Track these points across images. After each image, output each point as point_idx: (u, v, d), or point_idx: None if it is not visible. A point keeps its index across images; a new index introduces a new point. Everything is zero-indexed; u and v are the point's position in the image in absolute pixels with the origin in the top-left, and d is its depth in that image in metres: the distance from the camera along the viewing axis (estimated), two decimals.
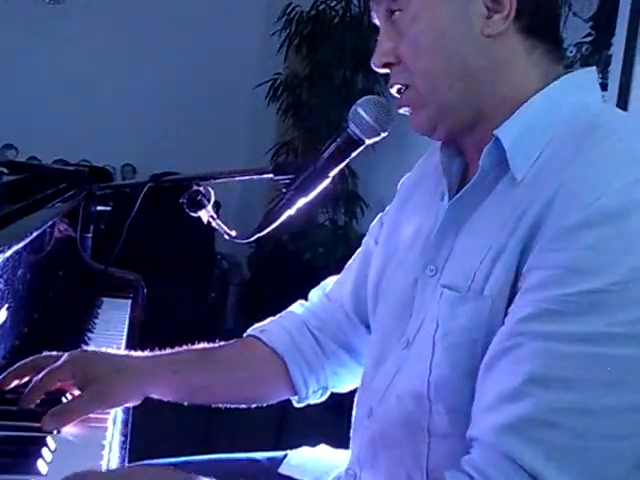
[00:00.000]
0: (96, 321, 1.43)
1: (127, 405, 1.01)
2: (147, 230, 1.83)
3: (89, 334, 1.33)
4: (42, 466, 0.79)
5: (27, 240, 1.10)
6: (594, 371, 0.73)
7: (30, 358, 0.99)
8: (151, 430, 1.62)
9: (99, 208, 1.71)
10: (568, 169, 0.79)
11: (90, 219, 1.73)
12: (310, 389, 1.16)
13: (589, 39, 2.99)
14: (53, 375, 0.95)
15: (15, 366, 0.98)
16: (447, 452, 0.88)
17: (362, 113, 1.03)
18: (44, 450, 0.82)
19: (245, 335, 1.20)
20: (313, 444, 1.25)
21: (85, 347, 1.25)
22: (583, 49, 3.00)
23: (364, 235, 1.17)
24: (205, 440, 2.63)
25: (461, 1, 0.88)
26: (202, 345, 1.13)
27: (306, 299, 1.24)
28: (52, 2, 4.29)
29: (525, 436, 0.74)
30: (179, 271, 3.62)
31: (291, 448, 1.25)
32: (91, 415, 0.94)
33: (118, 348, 1.28)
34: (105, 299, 1.60)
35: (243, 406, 1.17)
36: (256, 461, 1.24)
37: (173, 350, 1.09)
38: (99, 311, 1.51)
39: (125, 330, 1.42)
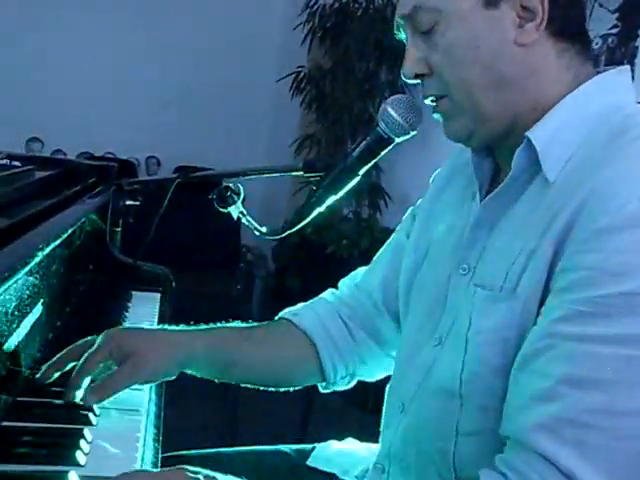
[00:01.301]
0: (126, 314, 1.45)
1: (164, 379, 1.03)
2: (174, 224, 1.84)
3: None
4: (80, 457, 0.82)
5: (63, 237, 1.12)
6: (627, 372, 0.74)
7: (67, 348, 1.01)
8: (180, 423, 1.64)
9: (128, 203, 1.73)
10: (600, 171, 0.80)
11: (119, 213, 1.74)
12: (338, 375, 1.17)
13: (615, 31, 2.97)
14: (92, 360, 0.97)
15: (54, 358, 1.00)
16: (474, 450, 0.89)
17: (392, 112, 1.03)
18: (82, 442, 0.84)
19: (277, 317, 1.21)
20: (337, 437, 1.26)
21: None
22: (609, 41, 2.98)
23: (387, 228, 1.18)
24: (232, 432, 2.65)
25: (494, 11, 0.87)
26: (237, 323, 1.15)
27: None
28: None
29: (559, 436, 0.75)
30: (205, 264, 3.65)
31: (316, 441, 1.26)
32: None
33: None
34: (134, 293, 1.62)
35: (271, 389, 1.17)
36: (283, 453, 1.25)
37: (208, 326, 1.11)
38: (129, 305, 1.53)
39: (155, 323, 1.44)
